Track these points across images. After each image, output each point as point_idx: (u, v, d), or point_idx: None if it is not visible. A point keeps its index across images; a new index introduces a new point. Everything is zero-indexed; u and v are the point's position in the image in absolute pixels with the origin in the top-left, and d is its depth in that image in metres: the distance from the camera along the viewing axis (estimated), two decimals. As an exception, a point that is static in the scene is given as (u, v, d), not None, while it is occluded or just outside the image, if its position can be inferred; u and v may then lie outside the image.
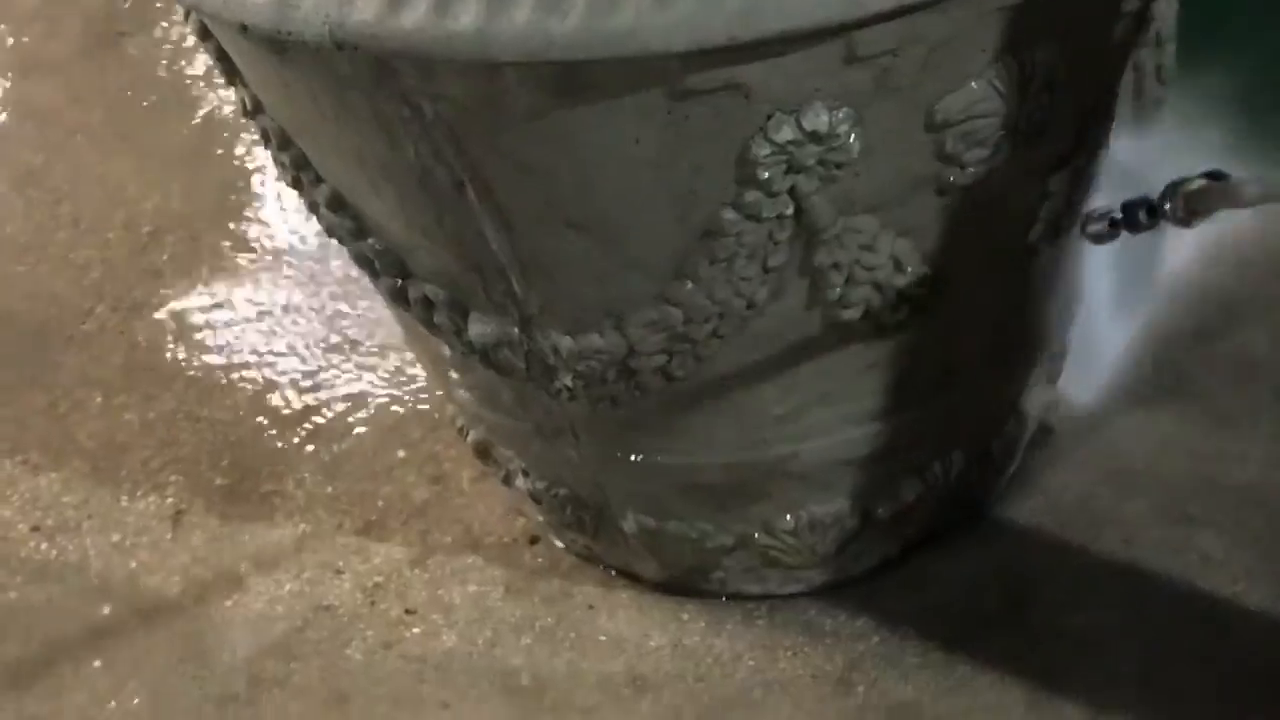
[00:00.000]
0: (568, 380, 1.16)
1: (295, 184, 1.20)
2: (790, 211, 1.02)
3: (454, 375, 1.31)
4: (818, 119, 0.97)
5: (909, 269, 1.09)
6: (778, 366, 1.15)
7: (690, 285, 1.06)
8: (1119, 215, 1.04)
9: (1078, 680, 1.26)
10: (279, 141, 1.17)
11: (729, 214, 1.01)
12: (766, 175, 0.99)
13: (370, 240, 1.18)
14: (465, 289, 1.15)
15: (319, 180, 1.17)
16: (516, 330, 1.15)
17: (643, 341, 1.11)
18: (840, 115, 0.97)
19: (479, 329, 1.17)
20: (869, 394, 1.20)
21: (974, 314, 1.18)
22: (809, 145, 0.98)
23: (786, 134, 0.97)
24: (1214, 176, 0.98)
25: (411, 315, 1.22)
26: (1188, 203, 0.99)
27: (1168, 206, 1.00)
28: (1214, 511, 1.37)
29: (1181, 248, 1.46)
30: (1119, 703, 1.24)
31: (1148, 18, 1.11)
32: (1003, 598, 1.34)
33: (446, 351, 1.25)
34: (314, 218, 1.22)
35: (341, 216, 1.18)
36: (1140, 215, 1.02)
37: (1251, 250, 1.58)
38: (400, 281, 1.19)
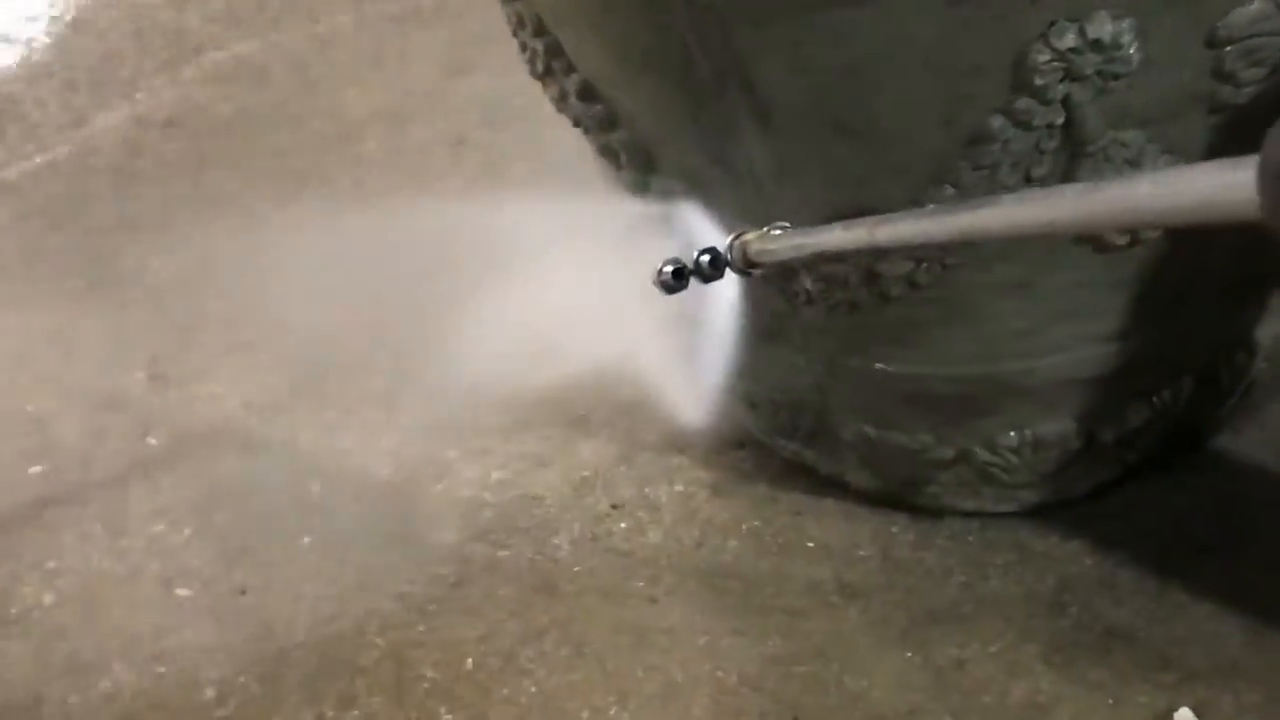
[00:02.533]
0: (809, 283, 1.16)
1: (545, 72, 1.20)
2: (1060, 121, 1.00)
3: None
4: (1102, 28, 0.95)
5: (1169, 187, 1.08)
6: (1024, 279, 1.14)
7: (949, 191, 1.05)
8: (685, 265, 1.11)
9: (1298, 616, 1.25)
10: (534, 28, 1.17)
11: (998, 120, 1.00)
12: (1042, 82, 0.97)
13: (618, 133, 1.18)
14: (711, 185, 1.15)
15: (571, 69, 1.17)
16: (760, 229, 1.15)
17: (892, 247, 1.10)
18: (1124, 25, 0.95)
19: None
20: (1111, 312, 1.18)
21: (1224, 237, 1.16)
22: (1089, 54, 0.96)
23: (1069, 41, 0.95)
24: (773, 229, 1.09)
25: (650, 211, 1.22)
26: (746, 252, 1.10)
27: (730, 256, 1.10)
28: None
29: None
30: (1339, 641, 1.23)
31: None
32: (1222, 528, 1.32)
33: (680, 248, 1.25)
34: (561, 108, 1.23)
35: (591, 106, 1.18)
36: (705, 264, 1.11)
37: None
38: (644, 175, 1.19)
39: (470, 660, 1.32)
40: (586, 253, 1.48)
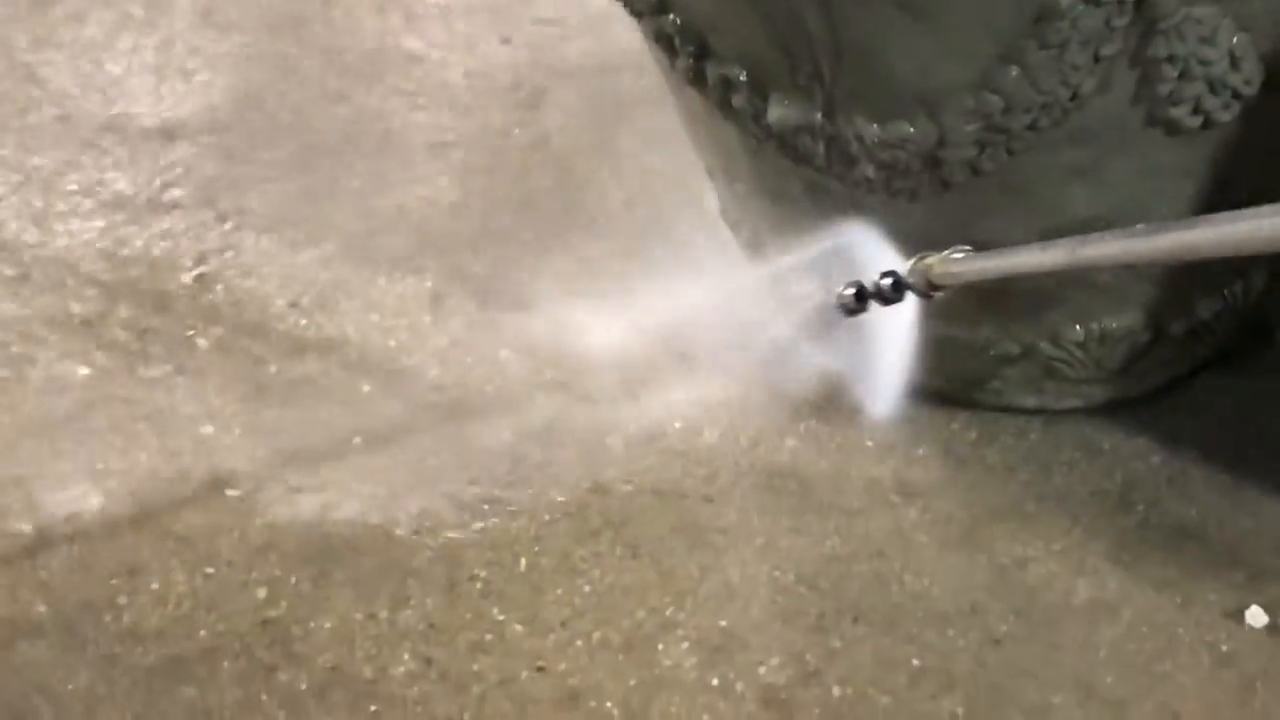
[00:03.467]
0: (869, 170, 1.13)
1: (597, -46, 1.17)
2: (1132, -3, 0.97)
3: (739, 165, 1.28)
4: (1175, -102, 0.92)
5: (1245, 67, 1.04)
6: (1091, 164, 1.10)
7: (1016, 72, 1.02)
8: (867, 288, 1.14)
9: (1372, 512, 1.22)
10: (584, -91, 1.14)
11: (1067, -4, 0.97)
12: (1115, -46, 0.94)
13: (672, 16, 1.14)
14: (769, 70, 1.12)
15: (623, -50, 1.14)
16: (819, 115, 1.11)
17: (956, 131, 1.07)
18: (1200, -105, 0.92)
19: (780, 112, 1.13)
20: (1181, 200, 1.15)
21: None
22: (1163, -76, 0.93)
23: (1142, -89, 0.92)
24: (955, 253, 1.09)
25: (706, 98, 1.19)
26: (928, 275, 1.10)
27: (911, 280, 1.11)
28: None
29: None
30: None
31: None
32: (1293, 424, 1.30)
33: (737, 138, 1.21)
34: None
35: (645, -11, 1.15)
36: (886, 287, 1.13)
37: None
38: (699, 61, 1.16)
39: (524, 561, 1.30)
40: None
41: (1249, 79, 1.05)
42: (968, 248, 1.08)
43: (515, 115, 1.80)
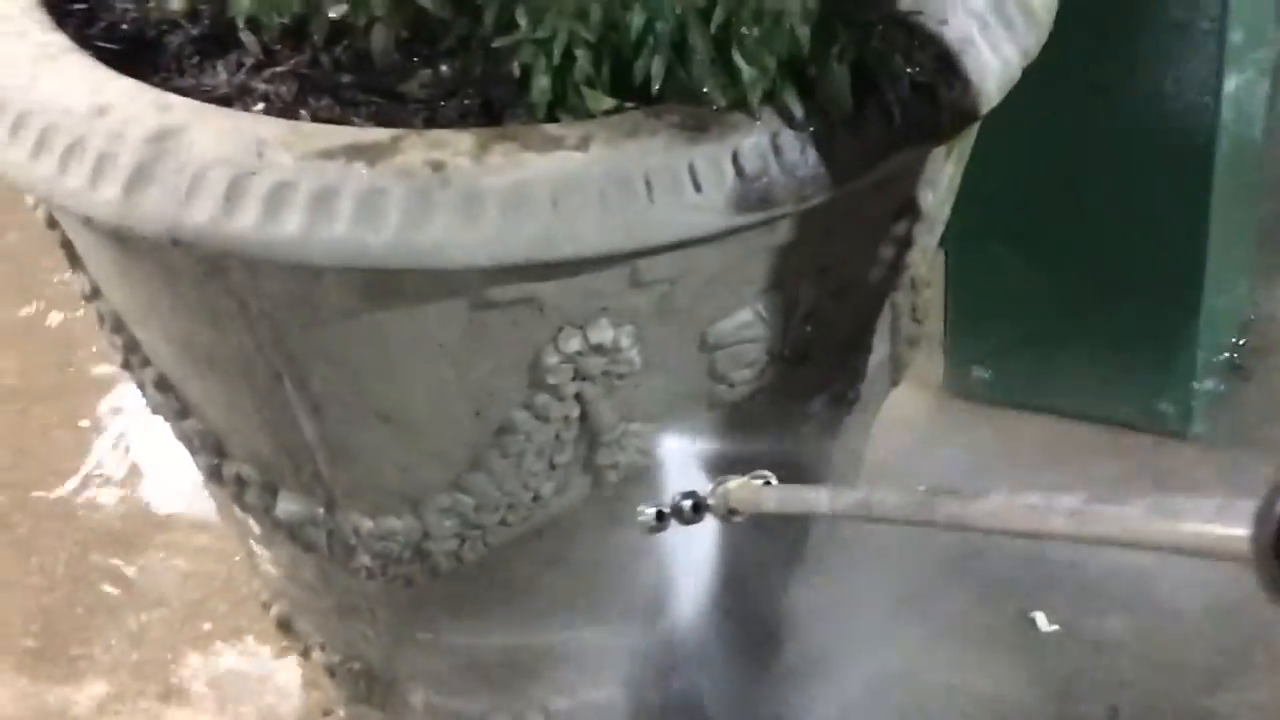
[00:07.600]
0: (366, 560, 1.25)
1: (125, 365, 1.28)
2: (576, 415, 1.12)
3: (261, 551, 1.38)
4: (603, 334, 1.07)
5: (684, 475, 1.20)
6: (559, 554, 1.24)
7: (483, 476, 1.15)
8: (666, 509, 1.12)
9: None
10: (113, 325, 1.25)
11: (520, 414, 1.11)
12: (555, 381, 1.09)
13: (191, 420, 1.26)
14: (277, 470, 1.23)
15: (148, 363, 1.25)
16: (321, 510, 1.23)
17: (437, 526, 1.20)
18: (624, 331, 1.08)
19: (286, 508, 1.24)
20: (640, 580, 1.28)
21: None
22: (595, 357, 1.08)
23: (575, 345, 1.07)
24: (756, 479, 1.08)
25: (224, 492, 1.30)
26: (727, 500, 1.09)
27: (711, 502, 1.10)
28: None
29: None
30: None
31: (903, 265, 1.24)
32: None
33: (255, 528, 1.32)
34: (143, 396, 1.30)
35: (167, 397, 1.26)
36: (687, 508, 1.11)
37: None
38: (216, 460, 1.27)
39: None
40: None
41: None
42: (769, 475, 1.08)
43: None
